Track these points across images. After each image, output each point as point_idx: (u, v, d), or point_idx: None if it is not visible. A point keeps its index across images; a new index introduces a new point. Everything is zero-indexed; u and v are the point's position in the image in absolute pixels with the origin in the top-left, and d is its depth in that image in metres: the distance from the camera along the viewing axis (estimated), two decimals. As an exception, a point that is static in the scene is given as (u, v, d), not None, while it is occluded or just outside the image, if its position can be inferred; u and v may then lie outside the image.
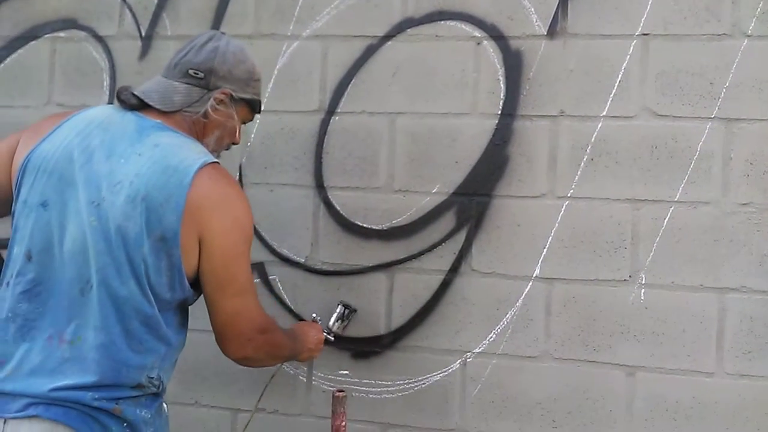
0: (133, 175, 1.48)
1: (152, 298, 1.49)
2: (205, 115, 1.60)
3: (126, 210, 1.46)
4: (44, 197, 1.50)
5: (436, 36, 2.03)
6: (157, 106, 1.57)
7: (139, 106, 1.58)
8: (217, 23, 2.18)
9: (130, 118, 1.56)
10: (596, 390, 1.91)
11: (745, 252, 1.84)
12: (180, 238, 1.47)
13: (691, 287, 1.87)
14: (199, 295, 1.58)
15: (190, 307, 1.61)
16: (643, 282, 1.89)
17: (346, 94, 2.09)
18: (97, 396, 1.45)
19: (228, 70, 1.61)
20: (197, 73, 1.59)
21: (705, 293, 1.86)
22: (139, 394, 1.51)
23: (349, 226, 2.08)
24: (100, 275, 1.46)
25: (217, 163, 1.57)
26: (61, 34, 2.30)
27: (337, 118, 2.09)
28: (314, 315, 1.96)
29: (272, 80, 2.14)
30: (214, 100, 1.59)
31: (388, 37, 2.07)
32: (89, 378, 1.45)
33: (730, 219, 1.85)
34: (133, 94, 1.58)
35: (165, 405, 1.60)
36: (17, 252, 1.51)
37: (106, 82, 2.25)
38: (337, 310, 1.99)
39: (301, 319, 2.06)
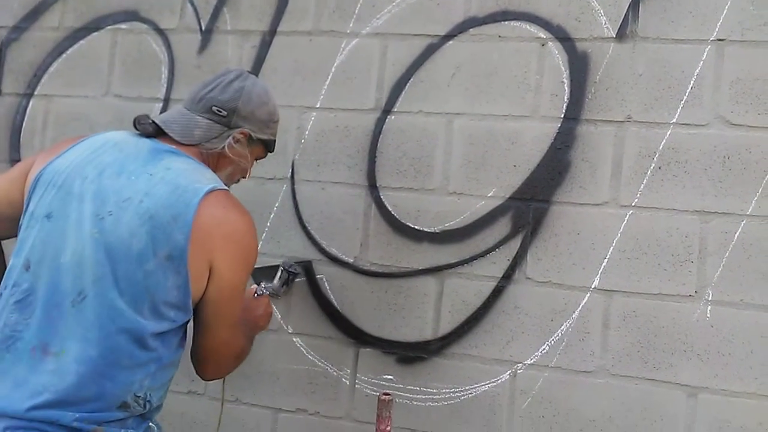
0: (143, 193, 1.51)
1: (149, 314, 1.49)
2: (222, 151, 1.65)
3: (132, 226, 1.49)
4: (50, 209, 1.53)
5: (499, 36, 2.02)
6: (176, 138, 1.62)
7: (155, 134, 1.64)
8: (277, 19, 2.21)
9: (146, 142, 1.62)
10: (654, 410, 1.85)
11: (823, 271, 1.77)
12: (188, 258, 1.49)
13: (761, 306, 1.80)
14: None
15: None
16: (710, 298, 1.83)
17: (403, 93, 2.09)
18: (77, 416, 1.44)
19: (251, 111, 1.67)
20: (220, 111, 1.64)
21: (777, 313, 1.79)
22: (125, 416, 1.50)
23: (400, 228, 2.07)
24: (96, 287, 1.48)
25: (228, 190, 1.60)
26: (123, 26, 2.36)
27: (392, 117, 2.10)
28: (260, 288, 1.92)
29: (329, 77, 2.16)
30: (233, 139, 1.65)
31: (449, 36, 2.06)
32: (71, 393, 1.44)
33: (807, 236, 1.78)
34: (152, 122, 1.64)
35: (155, 425, 1.59)
36: (15, 262, 1.54)
37: (165, 75, 2.30)
38: (279, 275, 2.02)
39: (337, 313, 2.09)
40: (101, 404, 1.47)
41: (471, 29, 2.05)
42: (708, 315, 1.83)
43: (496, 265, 1.98)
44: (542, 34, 1.99)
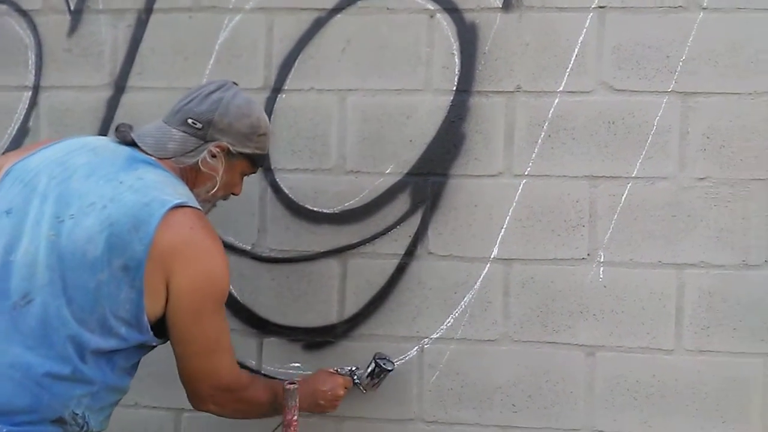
0: (107, 199, 1.54)
1: (97, 328, 1.52)
2: (197, 166, 1.68)
3: (91, 232, 1.52)
4: (11, 205, 1.56)
5: (388, 9, 2.12)
6: (149, 151, 1.66)
7: (136, 142, 1.67)
8: (152, -4, 2.22)
9: (125, 150, 1.66)
10: (556, 372, 2.04)
11: (703, 227, 2.00)
12: (144, 271, 1.52)
13: (649, 264, 2.01)
14: (163, 342, 1.64)
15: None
16: (602, 260, 2.03)
17: (293, 70, 2.16)
18: (5, 430, 1.45)
19: (228, 123, 1.70)
20: (195, 123, 1.68)
21: (663, 269, 2.01)
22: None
23: (298, 210, 2.15)
24: (44, 291, 1.50)
25: (200, 210, 1.64)
26: (-21, 7, 2.31)
27: (283, 95, 2.16)
28: (344, 369, 2.00)
29: (213, 56, 2.19)
30: (208, 153, 1.68)
31: (337, 9, 2.14)
32: (2, 401, 1.46)
33: (688, 194, 2.00)
34: (132, 131, 1.68)
35: None
36: None
37: (32, 61, 2.27)
38: (370, 366, 2.02)
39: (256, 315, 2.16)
40: (34, 417, 1.48)
41: (359, 2, 2.14)
42: (601, 276, 2.03)
43: (397, 242, 2.10)
44: (430, 5, 2.11)
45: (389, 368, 2.01)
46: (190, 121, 1.68)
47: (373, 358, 2.02)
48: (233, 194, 1.83)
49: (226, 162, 1.71)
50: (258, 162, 1.81)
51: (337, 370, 2.00)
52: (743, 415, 1.99)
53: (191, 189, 1.68)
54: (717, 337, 1.99)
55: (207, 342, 1.64)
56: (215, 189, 1.73)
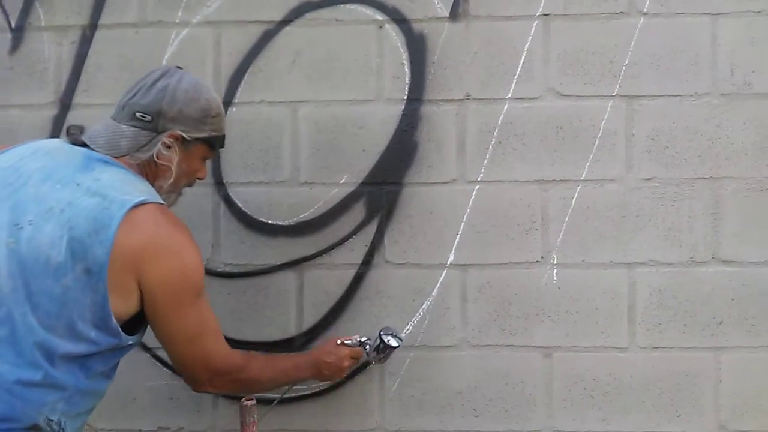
0: (65, 202, 1.53)
1: (65, 333, 1.52)
2: (154, 159, 1.66)
3: (53, 237, 1.51)
4: None
5: (337, 20, 2.16)
6: (102, 152, 1.63)
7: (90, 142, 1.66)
8: (97, 12, 2.21)
9: (80, 150, 1.64)
10: (515, 374, 2.09)
11: (651, 226, 2.07)
12: (108, 274, 1.51)
13: (601, 264, 2.08)
14: (139, 339, 1.64)
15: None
16: (555, 262, 2.09)
17: (242, 83, 2.18)
18: None
19: (178, 110, 1.67)
20: (144, 116, 1.65)
21: (615, 269, 2.08)
22: None
23: (253, 224, 2.16)
24: (8, 300, 1.50)
25: (163, 204, 1.63)
26: None
27: (234, 108, 2.18)
28: (351, 340, 1.96)
29: (161, 71, 2.19)
30: (162, 145, 1.66)
31: (285, 21, 2.17)
32: None
33: (635, 195, 2.08)
34: (83, 132, 1.67)
35: None
36: None
37: (-28, 80, 2.24)
38: (377, 341, 1.96)
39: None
40: (8, 425, 1.48)
41: (307, 14, 2.17)
42: (555, 278, 2.09)
43: (354, 252, 2.13)
44: (378, 16, 2.15)
45: (393, 344, 1.95)
46: (138, 114, 1.66)
47: (379, 334, 1.98)
48: (198, 179, 1.81)
49: (182, 150, 1.69)
50: (216, 144, 1.78)
51: (343, 342, 1.95)
52: (696, 408, 2.06)
53: (153, 182, 1.68)
54: (669, 333, 2.07)
55: (192, 330, 1.65)
56: (176, 179, 1.71)
